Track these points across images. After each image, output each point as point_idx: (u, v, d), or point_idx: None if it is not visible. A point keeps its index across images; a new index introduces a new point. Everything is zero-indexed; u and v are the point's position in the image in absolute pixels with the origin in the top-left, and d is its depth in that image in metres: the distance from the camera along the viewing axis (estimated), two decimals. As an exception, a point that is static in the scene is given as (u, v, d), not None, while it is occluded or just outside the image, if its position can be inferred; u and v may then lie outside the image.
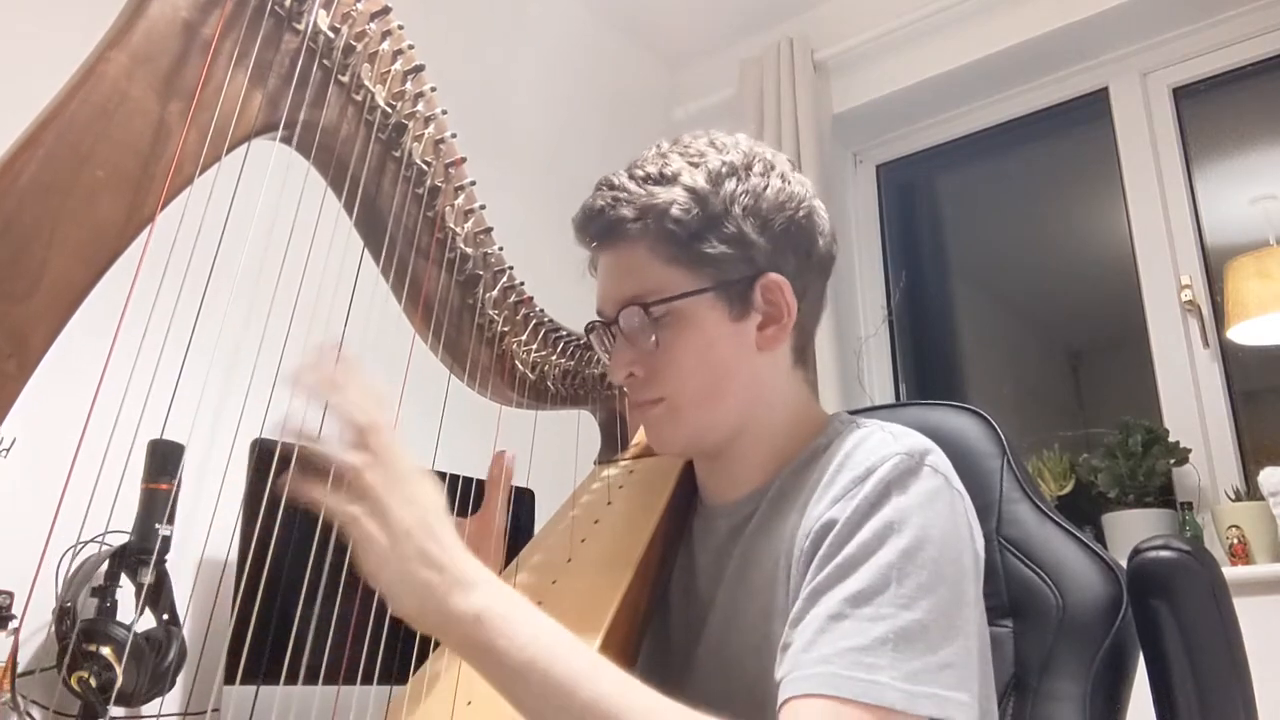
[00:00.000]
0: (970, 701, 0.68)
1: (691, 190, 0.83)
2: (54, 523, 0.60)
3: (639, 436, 1.07)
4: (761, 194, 0.85)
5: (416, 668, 0.85)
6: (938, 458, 0.78)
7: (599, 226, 0.86)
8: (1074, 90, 2.46)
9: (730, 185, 0.84)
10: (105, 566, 1.28)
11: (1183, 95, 2.33)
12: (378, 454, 0.63)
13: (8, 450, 1.25)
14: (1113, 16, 2.26)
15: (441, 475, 0.91)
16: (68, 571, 1.27)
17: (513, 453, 0.93)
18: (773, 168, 0.87)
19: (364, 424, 0.63)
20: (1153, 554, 0.86)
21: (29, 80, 0.84)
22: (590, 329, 0.93)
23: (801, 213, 0.87)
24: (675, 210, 0.83)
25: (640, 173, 0.86)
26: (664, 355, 0.84)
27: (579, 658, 0.63)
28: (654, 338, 0.84)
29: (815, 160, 2.44)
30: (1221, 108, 2.31)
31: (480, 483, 0.95)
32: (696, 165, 0.85)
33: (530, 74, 2.43)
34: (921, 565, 0.70)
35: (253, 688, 1.27)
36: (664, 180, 0.84)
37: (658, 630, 0.90)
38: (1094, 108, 2.43)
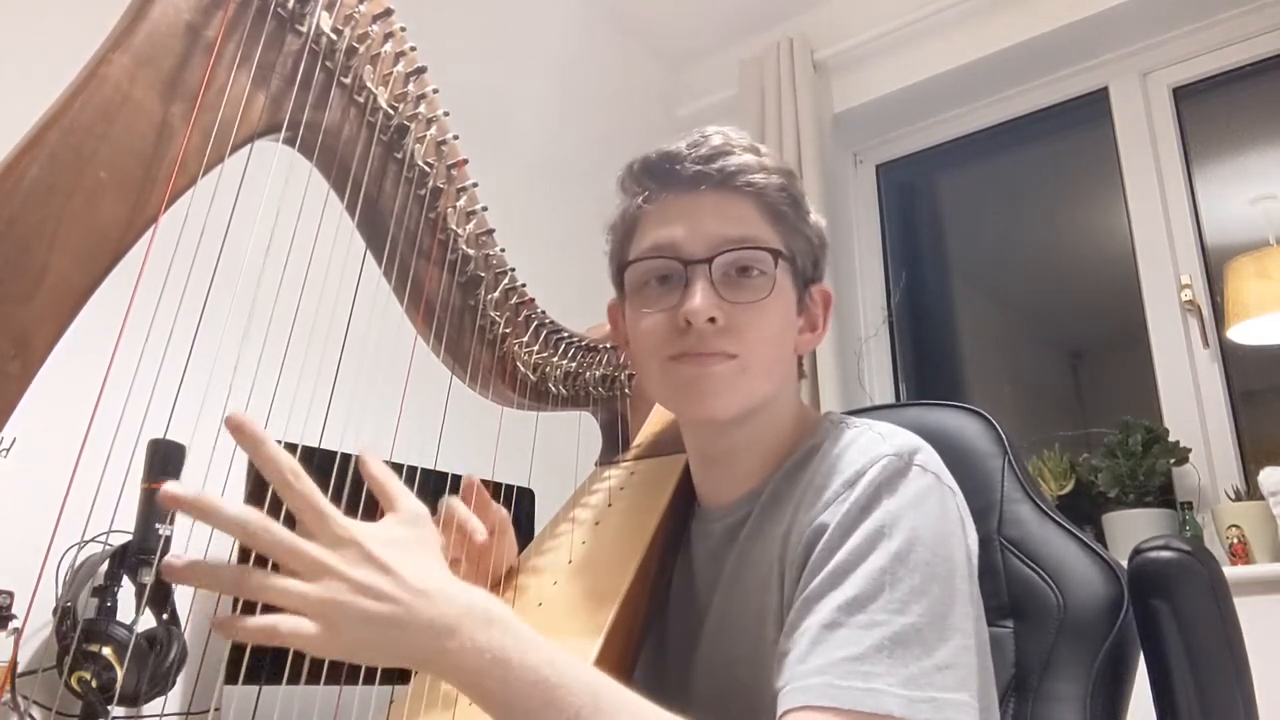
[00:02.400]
0: (970, 701, 0.68)
1: (788, 172, 0.87)
2: (57, 523, 0.60)
3: (640, 437, 1.07)
4: (816, 213, 0.90)
5: (418, 668, 0.85)
6: (927, 455, 0.78)
7: (727, 165, 0.82)
8: (1074, 90, 2.47)
9: (799, 185, 0.88)
10: (105, 566, 1.28)
11: (1183, 95, 2.33)
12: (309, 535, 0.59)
13: (8, 450, 1.25)
14: (1113, 16, 2.26)
15: (443, 476, 0.92)
16: (68, 571, 1.27)
17: (473, 477, 0.91)
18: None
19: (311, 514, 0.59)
20: (1153, 554, 0.86)
21: (31, 83, 0.84)
22: (647, 266, 0.84)
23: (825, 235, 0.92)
24: (796, 182, 0.86)
25: (739, 140, 0.85)
26: (753, 311, 0.81)
27: (577, 687, 0.61)
28: (768, 287, 0.82)
29: (815, 160, 2.44)
30: (1221, 108, 2.31)
31: (483, 483, 0.95)
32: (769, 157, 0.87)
33: (530, 74, 2.43)
34: (914, 568, 0.70)
35: (253, 688, 1.27)
36: (760, 154, 0.86)
37: (657, 633, 0.90)
38: (1094, 108, 2.43)
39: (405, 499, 0.65)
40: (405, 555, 0.61)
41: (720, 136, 0.85)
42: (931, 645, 0.67)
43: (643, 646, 0.86)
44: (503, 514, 0.94)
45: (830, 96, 2.63)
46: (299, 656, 0.59)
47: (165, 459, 1.26)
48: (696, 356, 0.81)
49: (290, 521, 0.59)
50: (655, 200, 0.85)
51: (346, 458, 0.68)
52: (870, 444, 0.79)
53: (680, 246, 0.82)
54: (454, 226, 0.86)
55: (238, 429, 0.57)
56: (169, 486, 0.55)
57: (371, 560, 0.59)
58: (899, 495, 0.73)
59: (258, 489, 0.60)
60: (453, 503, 0.86)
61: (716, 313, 0.80)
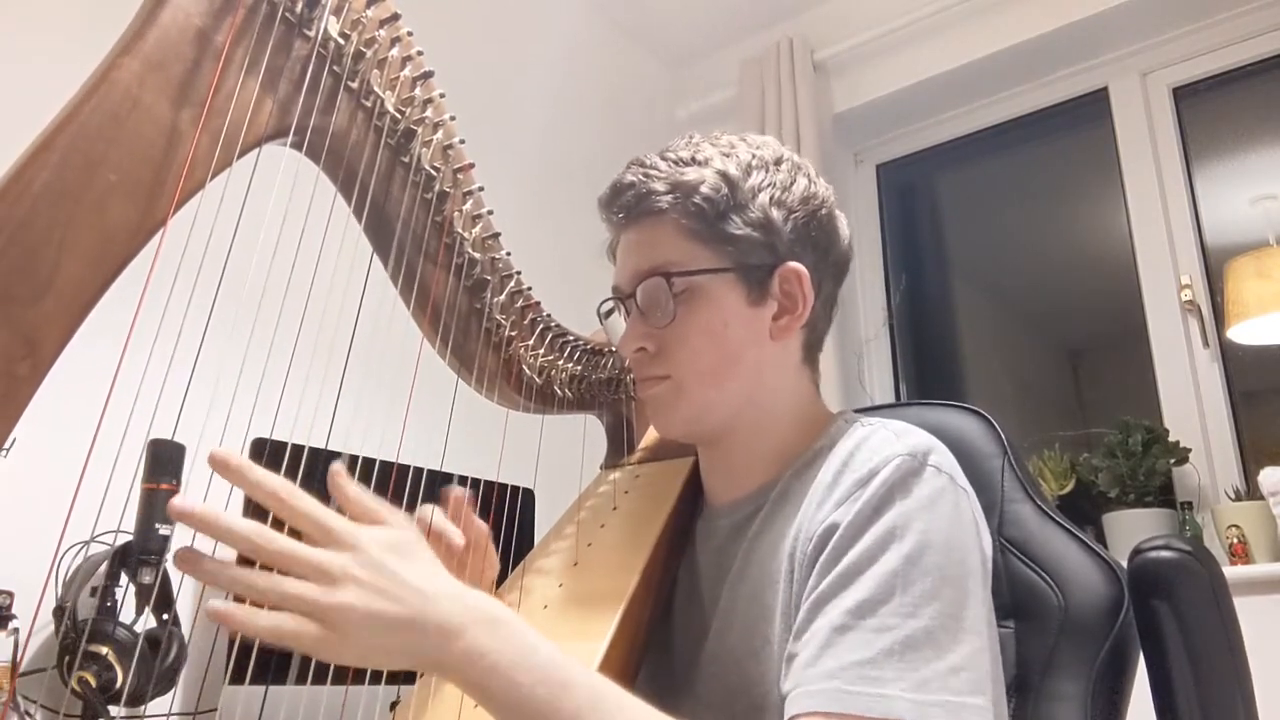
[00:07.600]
0: (985, 705, 0.67)
1: (722, 174, 0.86)
2: (66, 523, 0.60)
3: (645, 441, 1.07)
4: (788, 187, 0.88)
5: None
6: (941, 456, 0.77)
7: (628, 199, 0.87)
8: (1074, 90, 2.47)
9: (759, 175, 0.87)
10: (105, 566, 1.29)
11: (1183, 95, 2.33)
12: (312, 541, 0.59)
13: (8, 450, 1.25)
14: (1113, 16, 2.26)
15: (448, 477, 0.92)
16: (68, 571, 1.28)
17: (458, 491, 0.88)
18: (799, 168, 0.90)
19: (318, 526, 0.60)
20: (1153, 554, 0.86)
21: (40, 87, 0.84)
22: (607, 312, 0.94)
23: (824, 211, 0.90)
24: (705, 188, 0.85)
25: (672, 155, 0.88)
26: (676, 331, 0.85)
27: (579, 689, 0.62)
28: (671, 310, 0.85)
29: (815, 160, 2.44)
30: (1221, 108, 2.31)
31: (487, 484, 0.95)
32: (728, 155, 0.87)
33: (531, 75, 2.43)
34: (925, 571, 0.69)
35: (258, 688, 1.27)
36: (695, 163, 0.87)
37: (661, 633, 0.90)
38: (1094, 108, 2.43)
39: (392, 513, 0.65)
40: (408, 559, 0.61)
41: (633, 172, 0.88)
42: (944, 648, 0.67)
43: (647, 649, 0.86)
44: (483, 529, 0.91)
45: (830, 96, 2.64)
46: (303, 656, 0.59)
47: (165, 459, 1.26)
48: (640, 382, 0.90)
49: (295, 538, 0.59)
50: (615, 242, 0.93)
51: (353, 459, 0.68)
52: (883, 443, 0.78)
53: (618, 285, 0.91)
54: (460, 230, 0.86)
55: (221, 465, 0.57)
56: (176, 501, 0.55)
57: (377, 564, 0.59)
58: (912, 496, 0.73)
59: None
60: (427, 511, 0.85)
61: (645, 342, 0.87)
